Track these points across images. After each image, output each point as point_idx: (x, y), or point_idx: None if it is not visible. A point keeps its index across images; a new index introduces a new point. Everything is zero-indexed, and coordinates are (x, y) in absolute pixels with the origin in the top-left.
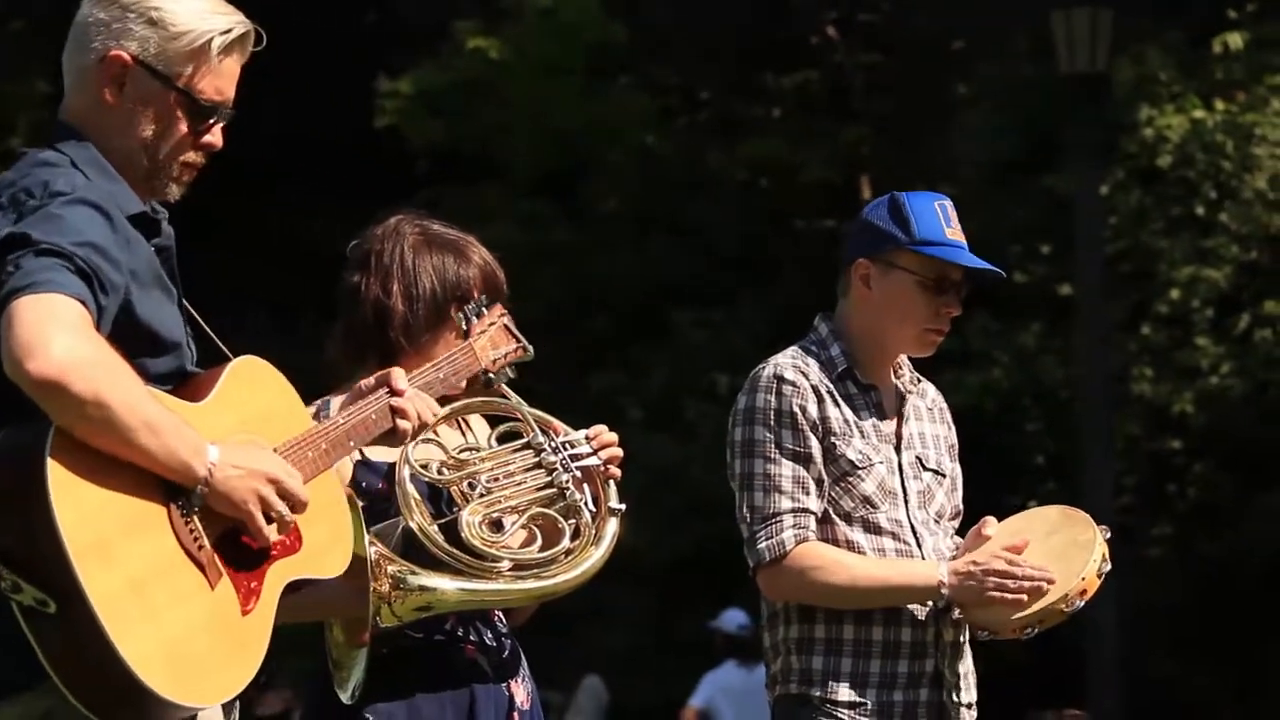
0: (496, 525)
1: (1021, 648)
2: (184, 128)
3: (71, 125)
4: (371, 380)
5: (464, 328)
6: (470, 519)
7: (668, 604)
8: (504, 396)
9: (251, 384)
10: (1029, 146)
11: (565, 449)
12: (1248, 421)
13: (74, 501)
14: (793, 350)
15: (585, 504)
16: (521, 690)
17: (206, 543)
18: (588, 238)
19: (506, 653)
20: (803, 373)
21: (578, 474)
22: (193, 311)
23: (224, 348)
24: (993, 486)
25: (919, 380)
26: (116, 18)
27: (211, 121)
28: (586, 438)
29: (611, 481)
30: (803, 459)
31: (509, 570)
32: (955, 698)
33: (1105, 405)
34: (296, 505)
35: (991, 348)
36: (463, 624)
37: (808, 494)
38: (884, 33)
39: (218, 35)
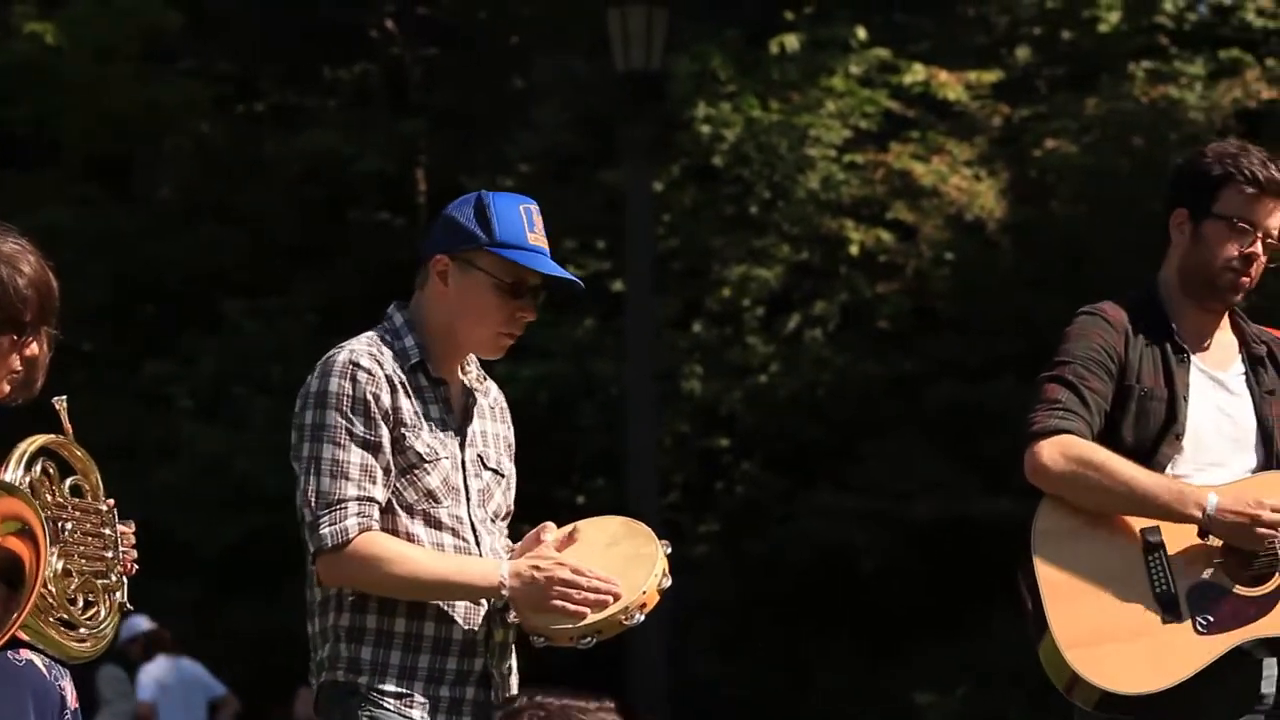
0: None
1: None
2: None
3: None
4: None
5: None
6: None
7: (215, 593)
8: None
9: None
10: (586, 142)
11: (118, 528)
12: (795, 421)
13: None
14: (367, 337)
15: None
16: (70, 689)
17: None
18: (140, 224)
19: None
20: (378, 361)
21: (122, 554)
22: None
23: None
24: (544, 480)
25: (484, 378)
26: None
27: None
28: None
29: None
30: (372, 447)
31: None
32: (499, 697)
33: (654, 402)
34: None
35: (545, 341)
36: None
37: (374, 483)
38: (443, 26)
39: None
